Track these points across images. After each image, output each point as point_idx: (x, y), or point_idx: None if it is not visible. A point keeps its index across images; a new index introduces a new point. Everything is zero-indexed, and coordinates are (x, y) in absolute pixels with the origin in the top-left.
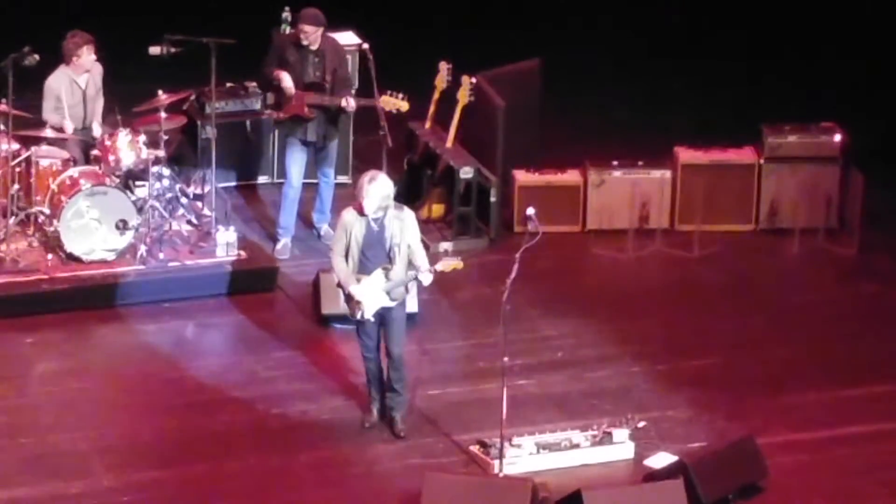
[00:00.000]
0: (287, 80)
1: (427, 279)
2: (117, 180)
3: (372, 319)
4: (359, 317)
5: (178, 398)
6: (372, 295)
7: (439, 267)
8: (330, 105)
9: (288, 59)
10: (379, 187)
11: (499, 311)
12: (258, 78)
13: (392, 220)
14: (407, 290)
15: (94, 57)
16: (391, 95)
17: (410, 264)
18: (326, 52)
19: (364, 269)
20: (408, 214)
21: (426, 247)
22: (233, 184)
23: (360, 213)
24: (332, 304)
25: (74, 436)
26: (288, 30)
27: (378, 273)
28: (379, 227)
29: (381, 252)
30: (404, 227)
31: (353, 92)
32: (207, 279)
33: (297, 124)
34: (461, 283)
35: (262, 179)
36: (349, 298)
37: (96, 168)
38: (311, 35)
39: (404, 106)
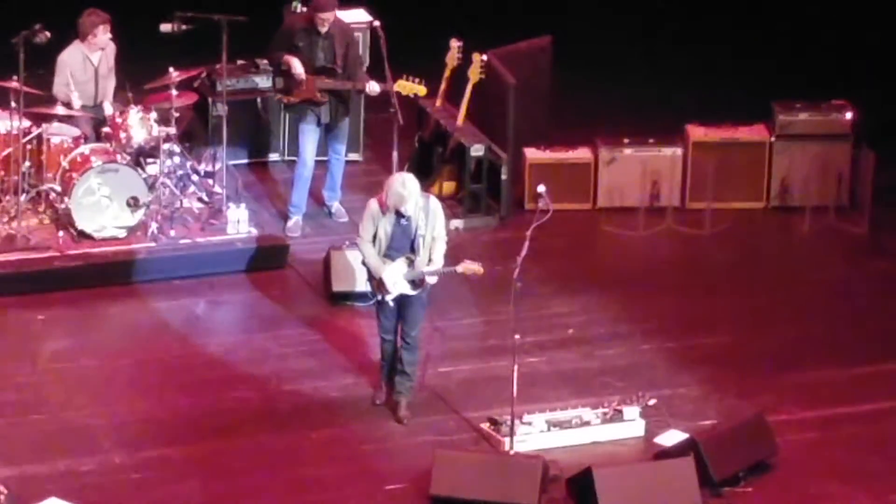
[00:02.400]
0: (297, 66)
1: (432, 280)
2: (128, 157)
3: (391, 304)
4: (380, 298)
5: (189, 375)
6: (397, 280)
7: (459, 269)
8: (342, 89)
9: (297, 44)
10: (413, 190)
11: (510, 288)
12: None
13: (418, 211)
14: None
15: (109, 36)
16: (408, 79)
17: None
18: (335, 35)
19: (388, 257)
20: (433, 204)
21: None
22: (244, 161)
23: (383, 208)
24: (343, 282)
25: (85, 413)
26: (300, 7)
27: (401, 261)
28: (406, 220)
29: (406, 242)
30: (429, 218)
31: (364, 69)
32: (218, 256)
33: (308, 108)
34: (472, 260)
35: (272, 157)
36: (373, 278)
37: (107, 145)
38: (330, 21)
39: (422, 90)
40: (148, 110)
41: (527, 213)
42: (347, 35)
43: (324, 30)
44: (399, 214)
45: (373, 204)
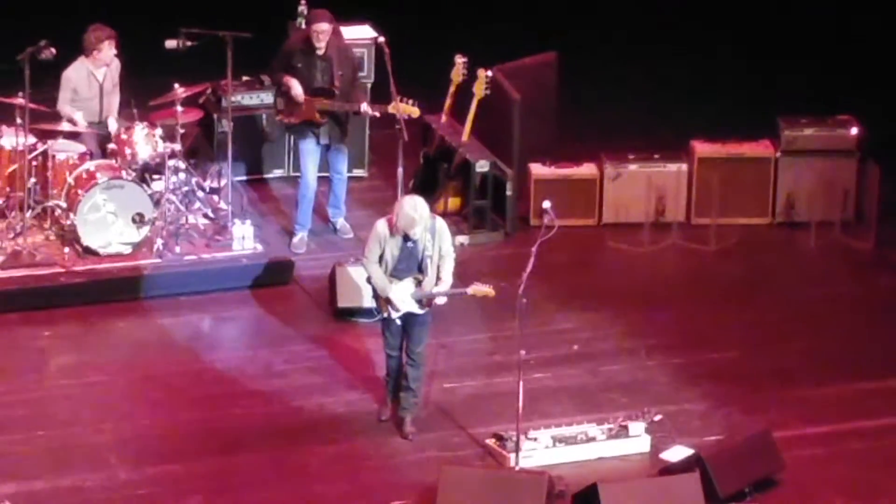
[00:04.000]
0: (297, 88)
1: (441, 301)
2: (134, 174)
3: (398, 322)
4: (386, 315)
5: (194, 391)
6: (404, 300)
7: (469, 291)
8: (340, 110)
9: (295, 65)
10: (424, 214)
11: (515, 304)
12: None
13: (424, 232)
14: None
15: (114, 52)
16: (403, 101)
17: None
18: (332, 56)
19: (395, 277)
20: (439, 223)
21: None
22: (249, 177)
23: (392, 229)
24: (348, 298)
25: (91, 429)
26: (304, 24)
27: (409, 281)
28: (413, 243)
29: (413, 264)
30: (435, 238)
31: (366, 90)
32: (224, 273)
33: (308, 129)
34: (478, 276)
35: (277, 173)
36: (379, 297)
37: (113, 161)
38: (325, 34)
39: (415, 112)
40: (153, 126)
41: (532, 228)
42: (346, 56)
43: (320, 45)
44: (406, 237)
45: (380, 225)
